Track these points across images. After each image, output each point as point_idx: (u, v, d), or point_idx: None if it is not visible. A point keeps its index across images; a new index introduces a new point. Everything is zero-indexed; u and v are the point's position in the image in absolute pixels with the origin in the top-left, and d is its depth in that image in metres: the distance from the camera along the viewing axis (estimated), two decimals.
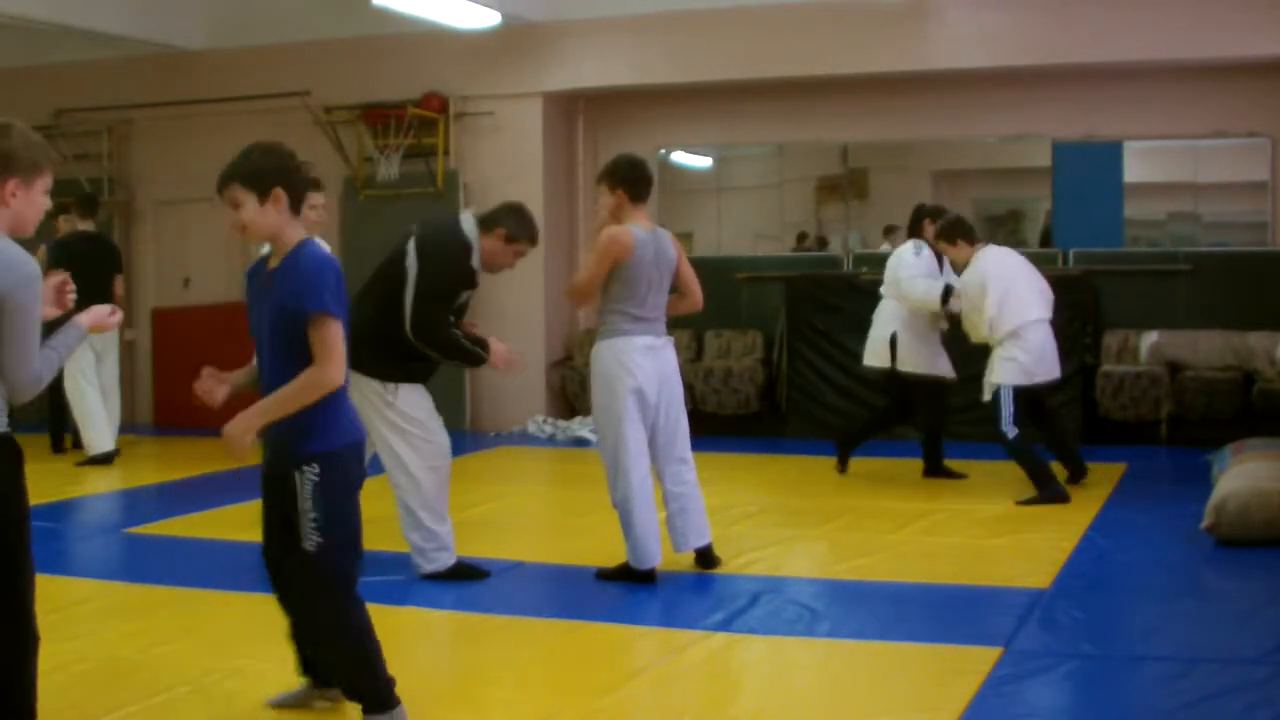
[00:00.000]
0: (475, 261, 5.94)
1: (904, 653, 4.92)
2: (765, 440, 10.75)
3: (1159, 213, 11.06)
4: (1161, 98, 10.56)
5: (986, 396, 7.96)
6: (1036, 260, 9.01)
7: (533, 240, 6.14)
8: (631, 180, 6.05)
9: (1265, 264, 10.36)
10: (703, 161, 12.35)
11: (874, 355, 8.63)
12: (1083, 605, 5.53)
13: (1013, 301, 7.90)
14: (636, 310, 5.95)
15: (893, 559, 6.43)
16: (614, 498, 6.01)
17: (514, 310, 11.57)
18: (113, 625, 5.40)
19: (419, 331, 5.80)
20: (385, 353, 5.80)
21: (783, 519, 7.53)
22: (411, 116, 11.49)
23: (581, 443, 10.69)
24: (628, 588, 5.92)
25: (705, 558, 6.25)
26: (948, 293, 8.23)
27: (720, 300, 11.36)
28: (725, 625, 5.29)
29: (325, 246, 6.96)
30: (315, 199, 7.18)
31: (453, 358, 5.99)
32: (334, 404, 3.84)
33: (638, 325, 5.96)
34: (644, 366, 5.94)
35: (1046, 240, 10.96)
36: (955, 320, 8.39)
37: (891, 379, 8.64)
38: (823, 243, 11.75)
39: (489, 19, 10.76)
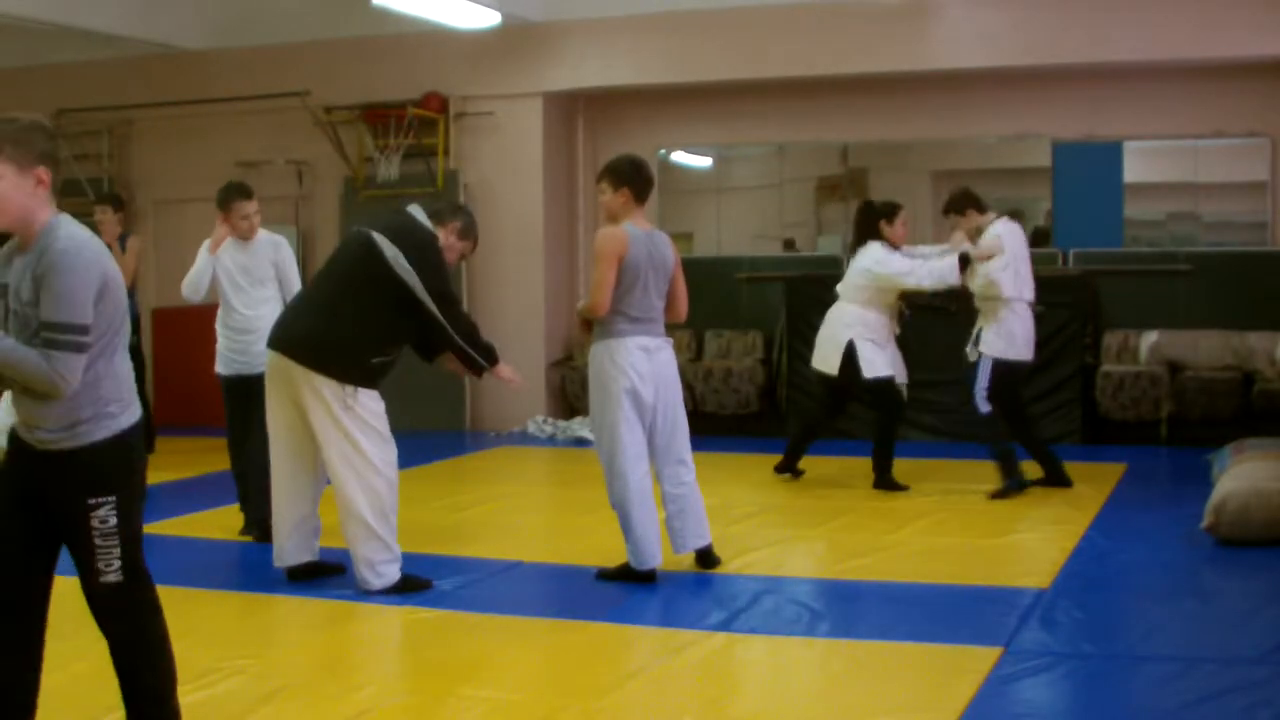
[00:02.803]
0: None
1: (904, 653, 4.92)
2: (765, 440, 10.73)
3: (1159, 213, 11.05)
4: (1161, 98, 10.55)
5: (973, 358, 8.07)
6: (1036, 260, 9.01)
7: (475, 244, 6.17)
8: (636, 180, 6.05)
9: (1265, 264, 10.35)
10: (703, 161, 12.34)
11: (822, 360, 8.38)
12: (1083, 605, 5.53)
13: (1020, 275, 8.02)
14: (632, 310, 5.94)
15: (893, 559, 6.43)
16: (611, 499, 6.01)
17: (514, 310, 11.59)
18: None
19: (456, 321, 5.80)
20: (350, 357, 5.72)
21: (783, 519, 7.53)
22: (411, 116, 11.49)
23: (581, 442, 10.69)
24: (628, 588, 5.92)
25: (705, 558, 6.25)
26: (965, 260, 8.02)
27: (720, 300, 11.40)
28: (725, 625, 5.29)
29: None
30: (246, 208, 7.11)
31: (475, 347, 5.91)
32: None
33: (633, 326, 5.94)
34: (639, 367, 5.93)
35: (1044, 239, 10.97)
36: (904, 322, 8.44)
37: (836, 385, 8.40)
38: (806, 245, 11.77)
39: (489, 19, 10.76)
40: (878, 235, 8.32)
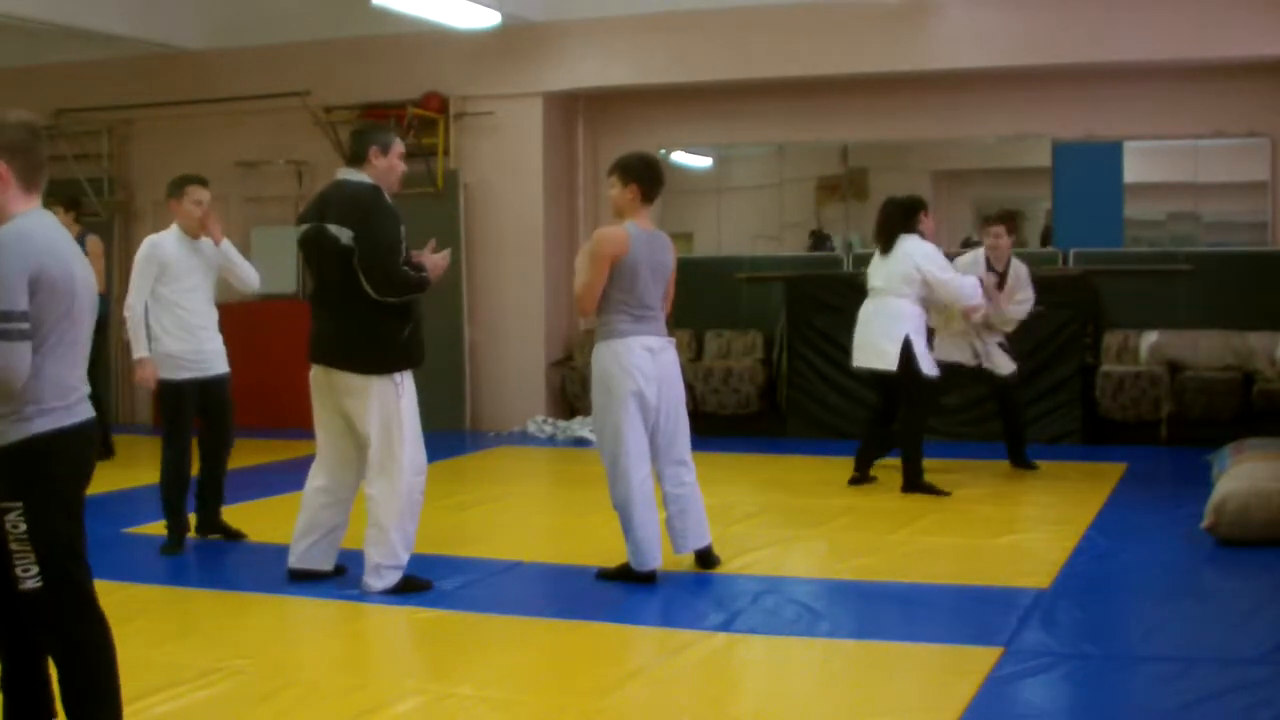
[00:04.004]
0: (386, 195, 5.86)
1: (904, 653, 4.92)
2: (765, 440, 10.75)
3: (1159, 213, 11.06)
4: (1161, 98, 10.56)
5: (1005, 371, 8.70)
6: (1037, 260, 9.05)
7: (402, 142, 5.96)
8: (645, 178, 6.02)
9: (1265, 264, 10.36)
10: (703, 161, 12.35)
11: (879, 357, 8.04)
12: (1083, 605, 5.53)
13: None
14: (636, 310, 5.93)
15: (893, 559, 6.43)
16: (614, 499, 6.01)
17: (514, 310, 11.59)
18: (112, 625, 5.37)
19: (383, 288, 5.64)
20: (386, 341, 5.71)
21: (783, 519, 7.53)
22: (411, 116, 11.48)
23: (581, 443, 10.69)
24: (628, 588, 5.92)
25: (705, 558, 6.24)
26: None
27: (720, 300, 11.40)
28: (725, 625, 5.29)
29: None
30: (199, 193, 7.10)
31: (416, 292, 5.78)
32: None
33: (637, 326, 5.93)
34: (644, 368, 5.92)
35: (1047, 239, 10.98)
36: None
37: (892, 381, 8.10)
38: (825, 239, 11.77)
39: (489, 19, 10.76)
40: (914, 229, 8.10)
